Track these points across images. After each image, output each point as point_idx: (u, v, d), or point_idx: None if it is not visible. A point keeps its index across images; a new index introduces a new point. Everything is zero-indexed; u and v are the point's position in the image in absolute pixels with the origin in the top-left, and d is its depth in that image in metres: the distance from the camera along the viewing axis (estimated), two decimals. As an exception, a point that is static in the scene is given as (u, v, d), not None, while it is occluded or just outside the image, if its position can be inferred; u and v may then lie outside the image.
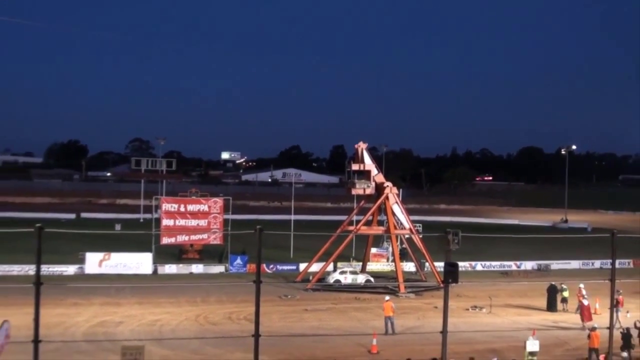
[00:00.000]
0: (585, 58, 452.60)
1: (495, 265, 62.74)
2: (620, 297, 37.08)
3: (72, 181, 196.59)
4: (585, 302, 37.55)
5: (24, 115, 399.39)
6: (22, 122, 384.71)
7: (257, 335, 21.79)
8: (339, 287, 50.24)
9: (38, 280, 20.45)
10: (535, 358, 25.89)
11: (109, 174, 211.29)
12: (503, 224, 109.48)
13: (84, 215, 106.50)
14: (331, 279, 51.55)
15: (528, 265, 63.58)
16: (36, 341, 20.13)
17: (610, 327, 26.58)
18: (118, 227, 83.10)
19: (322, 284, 50.72)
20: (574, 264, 63.55)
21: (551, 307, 42.15)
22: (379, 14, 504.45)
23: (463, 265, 51.95)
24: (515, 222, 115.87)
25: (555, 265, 63.48)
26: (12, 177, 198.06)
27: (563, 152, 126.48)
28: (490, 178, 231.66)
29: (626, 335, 28.13)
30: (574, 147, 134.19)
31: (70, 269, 54.19)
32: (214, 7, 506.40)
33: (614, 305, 37.46)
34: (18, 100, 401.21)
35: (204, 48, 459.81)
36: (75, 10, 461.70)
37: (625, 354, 25.37)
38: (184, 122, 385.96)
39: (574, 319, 38.26)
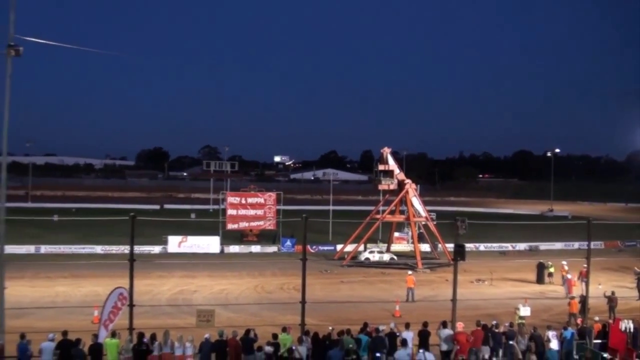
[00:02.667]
0: (569, 71, 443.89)
1: (495, 246, 62.20)
2: (583, 269, 36.76)
3: (157, 179, 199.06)
4: (569, 276, 37.51)
5: (120, 126, 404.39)
6: (119, 132, 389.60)
7: (303, 301, 21.82)
8: (368, 264, 50.21)
9: (132, 258, 20.75)
10: (524, 321, 25.59)
11: (185, 174, 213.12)
12: (501, 213, 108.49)
13: (166, 206, 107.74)
14: (362, 257, 51.52)
15: (521, 246, 63.19)
16: (131, 305, 20.43)
17: (586, 296, 26.29)
18: (193, 215, 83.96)
19: (354, 261, 50.69)
20: (558, 245, 62.86)
21: (539, 280, 41.87)
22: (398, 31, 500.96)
23: (469, 246, 51.44)
24: (511, 211, 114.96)
25: (543, 246, 63.10)
26: (110, 177, 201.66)
27: (549, 154, 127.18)
28: (490, 175, 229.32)
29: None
30: (557, 150, 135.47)
31: (156, 249, 54.86)
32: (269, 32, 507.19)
33: (579, 276, 37.65)
34: (115, 114, 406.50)
35: (260, 66, 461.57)
36: (145, 37, 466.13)
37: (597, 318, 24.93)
38: (244, 131, 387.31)
39: (558, 289, 37.95)
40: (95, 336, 18.42)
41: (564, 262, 40.06)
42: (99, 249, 54.35)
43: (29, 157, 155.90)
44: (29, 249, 52.96)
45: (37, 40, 21.97)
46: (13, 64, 20.08)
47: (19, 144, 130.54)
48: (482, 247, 60.65)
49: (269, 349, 18.19)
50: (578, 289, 35.27)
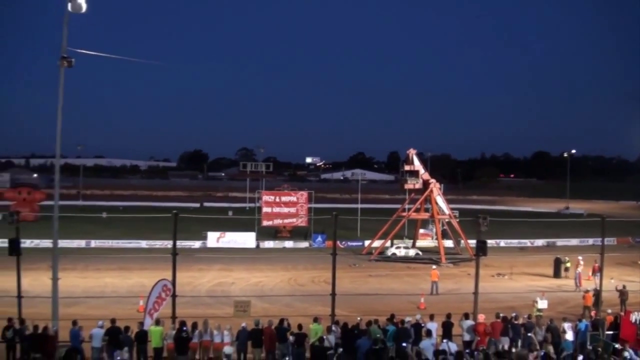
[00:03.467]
0: (585, 72, 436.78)
1: (514, 242, 61.51)
2: (596, 264, 36.55)
3: (197, 180, 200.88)
4: (579, 270, 37.74)
5: (163, 130, 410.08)
6: (162, 135, 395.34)
7: (333, 293, 21.91)
8: (395, 259, 50.02)
9: (174, 252, 21.04)
10: (542, 313, 25.31)
11: (223, 174, 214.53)
12: (520, 211, 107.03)
13: (205, 204, 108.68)
14: (389, 252, 51.34)
15: (539, 242, 62.49)
16: (174, 295, 20.72)
17: (600, 289, 25.92)
18: (230, 213, 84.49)
19: (382, 256, 50.55)
20: (574, 241, 61.90)
21: (556, 274, 41.44)
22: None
23: (490, 242, 50.43)
24: (529, 209, 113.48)
25: (560, 242, 62.28)
26: (154, 177, 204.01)
27: (565, 155, 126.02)
28: (510, 175, 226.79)
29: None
30: (573, 150, 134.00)
31: (196, 244, 55.42)
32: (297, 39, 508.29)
33: (593, 271, 37.31)
34: (158, 118, 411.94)
35: (292, 73, 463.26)
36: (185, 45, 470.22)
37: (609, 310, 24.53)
38: (278, 134, 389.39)
39: (574, 283, 37.47)
40: (141, 324, 18.74)
41: (580, 258, 39.61)
42: (144, 243, 55.10)
43: (80, 159, 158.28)
44: (80, 243, 53.92)
45: (87, 52, 22.38)
46: (66, 74, 20.52)
47: (71, 148, 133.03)
48: (502, 243, 59.96)
49: (291, 338, 18.29)
50: (591, 283, 35.00)
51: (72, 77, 20.67)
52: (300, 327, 18.75)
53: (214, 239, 56.68)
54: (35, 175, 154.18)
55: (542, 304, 26.55)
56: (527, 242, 62.06)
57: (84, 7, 19.91)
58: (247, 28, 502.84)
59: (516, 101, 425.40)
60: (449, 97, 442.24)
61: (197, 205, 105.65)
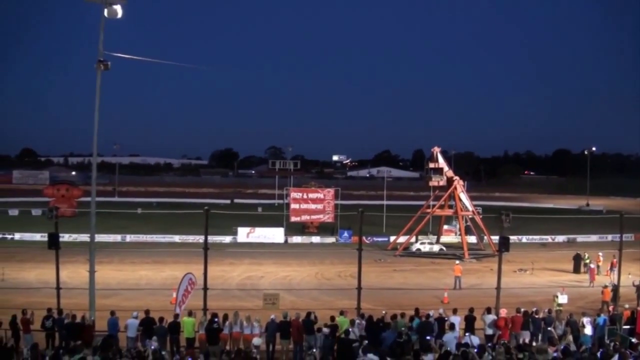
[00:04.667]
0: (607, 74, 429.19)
1: (536, 238, 60.67)
2: (615, 259, 36.05)
3: (228, 177, 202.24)
4: (592, 266, 37.56)
5: (195, 129, 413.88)
6: (194, 134, 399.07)
7: (359, 287, 21.96)
8: (419, 254, 49.82)
9: (206, 246, 21.30)
10: (562, 308, 25.02)
11: (253, 172, 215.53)
12: (541, 207, 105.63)
13: (236, 201, 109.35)
14: (413, 248, 51.14)
15: (560, 238, 61.50)
16: (205, 288, 20.99)
17: (618, 285, 25.57)
18: (260, 209, 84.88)
19: (406, 252, 50.40)
20: (593, 237, 60.67)
21: (576, 270, 40.87)
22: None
23: (512, 238, 49.98)
24: (551, 205, 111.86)
25: (580, 238, 61.16)
26: (187, 175, 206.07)
27: (586, 153, 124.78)
28: (532, 173, 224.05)
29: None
30: (593, 148, 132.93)
31: (227, 239, 55.80)
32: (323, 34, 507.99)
33: (611, 266, 36.82)
34: (190, 118, 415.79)
35: (319, 73, 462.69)
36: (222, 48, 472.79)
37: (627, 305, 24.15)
38: (306, 132, 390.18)
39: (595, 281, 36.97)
40: (175, 315, 19.03)
41: (600, 254, 39.25)
42: (177, 238, 55.74)
43: (116, 157, 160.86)
44: (116, 238, 54.72)
45: (122, 55, 22.76)
46: (103, 77, 20.90)
47: (107, 146, 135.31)
48: (524, 239, 59.22)
49: (326, 330, 18.36)
50: (607, 279, 34.66)
51: (109, 78, 20.99)
52: (332, 319, 18.85)
53: (244, 234, 57.09)
54: (73, 173, 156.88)
55: (562, 299, 26.30)
56: (548, 238, 61.19)
57: (120, 12, 20.26)
58: (275, 29, 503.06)
59: (538, 100, 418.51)
60: (473, 96, 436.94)
61: (228, 201, 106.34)
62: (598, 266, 38.03)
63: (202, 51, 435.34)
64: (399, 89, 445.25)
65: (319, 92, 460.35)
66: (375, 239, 57.85)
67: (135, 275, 37.68)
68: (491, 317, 19.96)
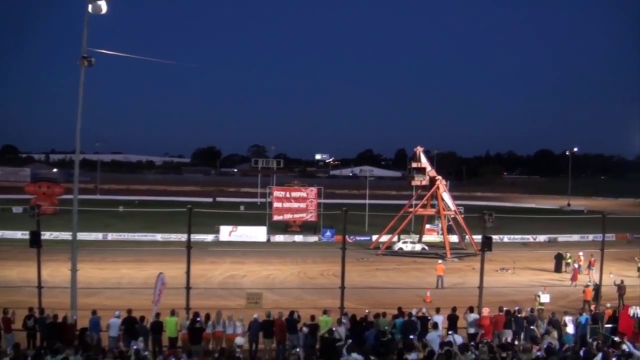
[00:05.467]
0: (589, 73, 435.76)
1: (518, 238, 61.23)
2: (592, 259, 37.40)
3: (210, 175, 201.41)
4: (576, 265, 38.02)
5: (178, 127, 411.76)
6: (176, 132, 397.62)
7: (342, 286, 21.92)
8: (401, 253, 49.96)
9: (189, 245, 21.12)
10: (543, 307, 25.24)
11: (235, 170, 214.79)
12: (523, 207, 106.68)
13: (218, 199, 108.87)
14: (396, 247, 51.26)
15: (541, 238, 62.19)
16: (187, 287, 20.81)
17: (599, 284, 25.86)
18: (242, 208, 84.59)
19: (389, 251, 50.51)
20: (575, 237, 61.44)
21: (557, 269, 41.25)
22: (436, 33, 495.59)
23: (494, 237, 50.65)
24: (532, 205, 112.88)
25: (561, 238, 61.98)
26: (169, 173, 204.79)
27: (567, 153, 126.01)
28: (514, 173, 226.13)
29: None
30: (575, 149, 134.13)
31: (209, 238, 55.54)
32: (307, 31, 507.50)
33: (589, 265, 37.30)
34: (173, 116, 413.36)
35: (300, 71, 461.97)
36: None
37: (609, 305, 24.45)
38: (289, 131, 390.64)
39: (576, 280, 37.31)
40: (157, 314, 18.85)
41: (581, 253, 39.71)
42: (159, 237, 55.34)
43: (98, 155, 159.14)
44: (98, 236, 54.20)
45: (106, 52, 22.47)
46: (86, 73, 20.63)
47: (90, 144, 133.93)
48: (506, 238, 59.71)
49: (305, 329, 18.33)
50: (586, 278, 34.94)
51: (92, 75, 20.74)
52: (312, 318, 18.79)
53: (226, 232, 56.88)
54: (54, 170, 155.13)
55: (544, 298, 26.51)
56: (529, 238, 61.74)
57: (104, 8, 20.00)
58: (258, 27, 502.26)
59: (520, 100, 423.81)
60: (455, 96, 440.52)
61: (210, 200, 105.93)
62: (579, 266, 38.44)
63: (187, 49, 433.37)
64: (382, 89, 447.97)
65: (302, 91, 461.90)
66: (357, 238, 57.93)
67: (117, 274, 37.29)
68: (474, 316, 20.07)
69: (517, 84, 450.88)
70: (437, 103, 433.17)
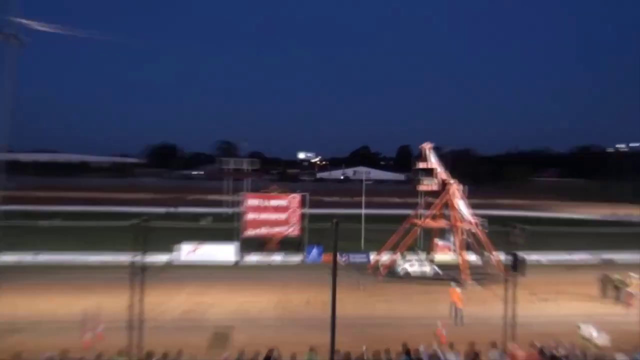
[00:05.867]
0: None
1: (559, 258, 60.89)
2: None
3: (168, 179, 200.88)
4: (630, 291, 38.39)
5: (129, 122, 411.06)
6: (128, 127, 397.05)
7: (333, 318, 21.82)
8: (406, 277, 50.01)
9: (139, 268, 20.94)
10: (589, 343, 25.25)
11: (200, 173, 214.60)
12: (564, 218, 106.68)
13: (178, 209, 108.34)
14: (399, 269, 51.27)
15: (587, 257, 61.52)
16: (139, 322, 20.63)
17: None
18: (207, 220, 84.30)
19: (391, 274, 50.51)
20: (637, 257, 60.59)
21: (605, 296, 41.18)
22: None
23: (528, 257, 50.90)
24: (575, 216, 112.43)
25: (617, 257, 60.88)
26: (118, 176, 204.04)
27: (621, 149, 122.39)
28: (551, 174, 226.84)
29: None
30: (634, 144, 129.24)
31: (165, 258, 55.20)
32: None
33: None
34: (122, 107, 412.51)
35: (280, 52, 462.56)
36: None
37: None
38: (265, 125, 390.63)
39: (632, 308, 37.37)
40: (97, 355, 18.64)
41: (635, 275, 39.76)
42: (102, 257, 54.87)
43: (30, 154, 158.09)
44: (23, 257, 53.27)
45: (36, 25, 22.28)
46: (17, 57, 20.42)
47: (20, 141, 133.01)
48: (543, 258, 59.70)
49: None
50: None
51: (25, 60, 20.59)
52: (293, 357, 18.70)
53: (186, 251, 56.59)
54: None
55: (589, 330, 26.53)
56: (572, 258, 61.46)
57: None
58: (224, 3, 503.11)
59: (552, 86, 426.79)
60: (471, 82, 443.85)
61: (167, 210, 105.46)
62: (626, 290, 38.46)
63: (137, 27, 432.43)
64: (380, 74, 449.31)
65: (279, 77, 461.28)
66: (352, 257, 57.87)
67: (47, 306, 36.88)
68: (498, 353, 20.05)
69: (547, 63, 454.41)
70: (448, 91, 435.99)
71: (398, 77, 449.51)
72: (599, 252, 62.71)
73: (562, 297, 41.82)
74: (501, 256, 46.92)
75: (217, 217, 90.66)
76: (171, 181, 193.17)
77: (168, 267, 52.18)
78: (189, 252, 56.64)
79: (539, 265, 55.32)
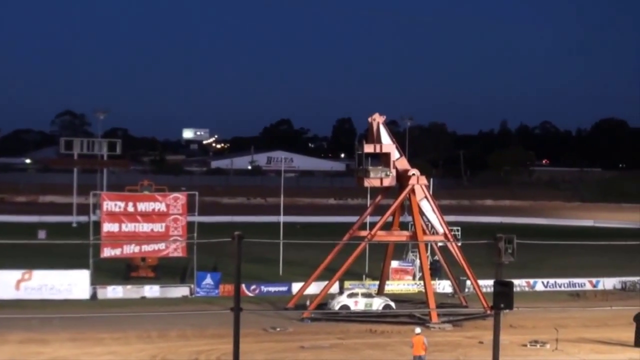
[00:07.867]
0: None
1: (563, 283, 62.40)
2: None
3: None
4: None
5: None
6: None
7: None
8: (347, 316, 50.38)
9: None
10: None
11: (28, 161, 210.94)
12: (572, 226, 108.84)
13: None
14: (336, 305, 51.61)
15: (608, 283, 63.00)
16: None
17: None
18: (42, 234, 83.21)
19: (323, 312, 50.85)
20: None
21: (639, 340, 41.90)
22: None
23: (519, 283, 51.94)
24: (590, 223, 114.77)
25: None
26: None
27: None
28: (554, 162, 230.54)
29: None
30: None
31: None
32: None
33: None
34: None
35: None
36: None
37: None
38: (131, 91, 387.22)
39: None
40: None
41: None
42: None
43: None
44: None
45: None
46: None
47: None
48: (540, 284, 60.93)
49: None
50: None
51: None
52: None
53: (10, 283, 55.73)
54: None
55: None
56: (584, 283, 62.61)
57: None
58: None
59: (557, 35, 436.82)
60: (445, 33, 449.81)
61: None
62: None
63: None
64: (306, 18, 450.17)
65: (155, 28, 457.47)
66: (265, 288, 58.09)
67: None
68: None
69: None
70: (408, 43, 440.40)
71: (333, 23, 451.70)
72: (624, 275, 64.13)
73: (576, 345, 42.76)
74: (484, 283, 47.86)
75: (56, 229, 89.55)
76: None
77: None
78: (15, 283, 55.84)
79: (534, 294, 56.46)
